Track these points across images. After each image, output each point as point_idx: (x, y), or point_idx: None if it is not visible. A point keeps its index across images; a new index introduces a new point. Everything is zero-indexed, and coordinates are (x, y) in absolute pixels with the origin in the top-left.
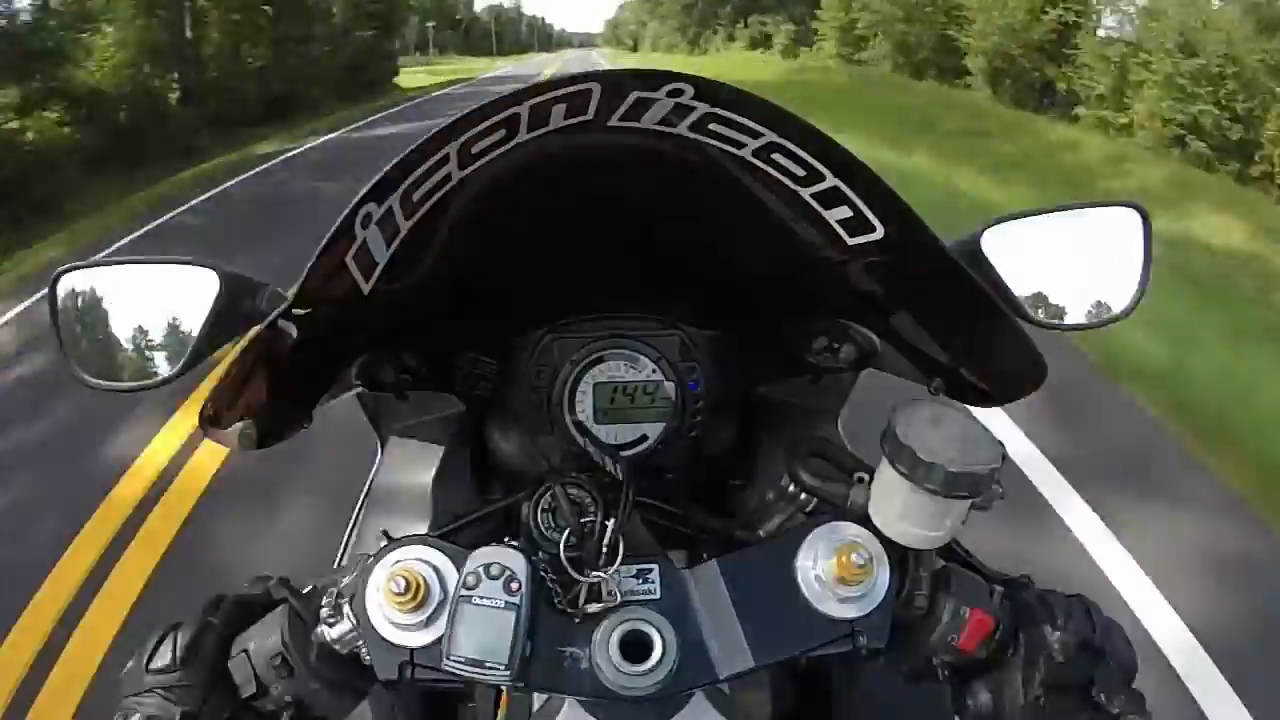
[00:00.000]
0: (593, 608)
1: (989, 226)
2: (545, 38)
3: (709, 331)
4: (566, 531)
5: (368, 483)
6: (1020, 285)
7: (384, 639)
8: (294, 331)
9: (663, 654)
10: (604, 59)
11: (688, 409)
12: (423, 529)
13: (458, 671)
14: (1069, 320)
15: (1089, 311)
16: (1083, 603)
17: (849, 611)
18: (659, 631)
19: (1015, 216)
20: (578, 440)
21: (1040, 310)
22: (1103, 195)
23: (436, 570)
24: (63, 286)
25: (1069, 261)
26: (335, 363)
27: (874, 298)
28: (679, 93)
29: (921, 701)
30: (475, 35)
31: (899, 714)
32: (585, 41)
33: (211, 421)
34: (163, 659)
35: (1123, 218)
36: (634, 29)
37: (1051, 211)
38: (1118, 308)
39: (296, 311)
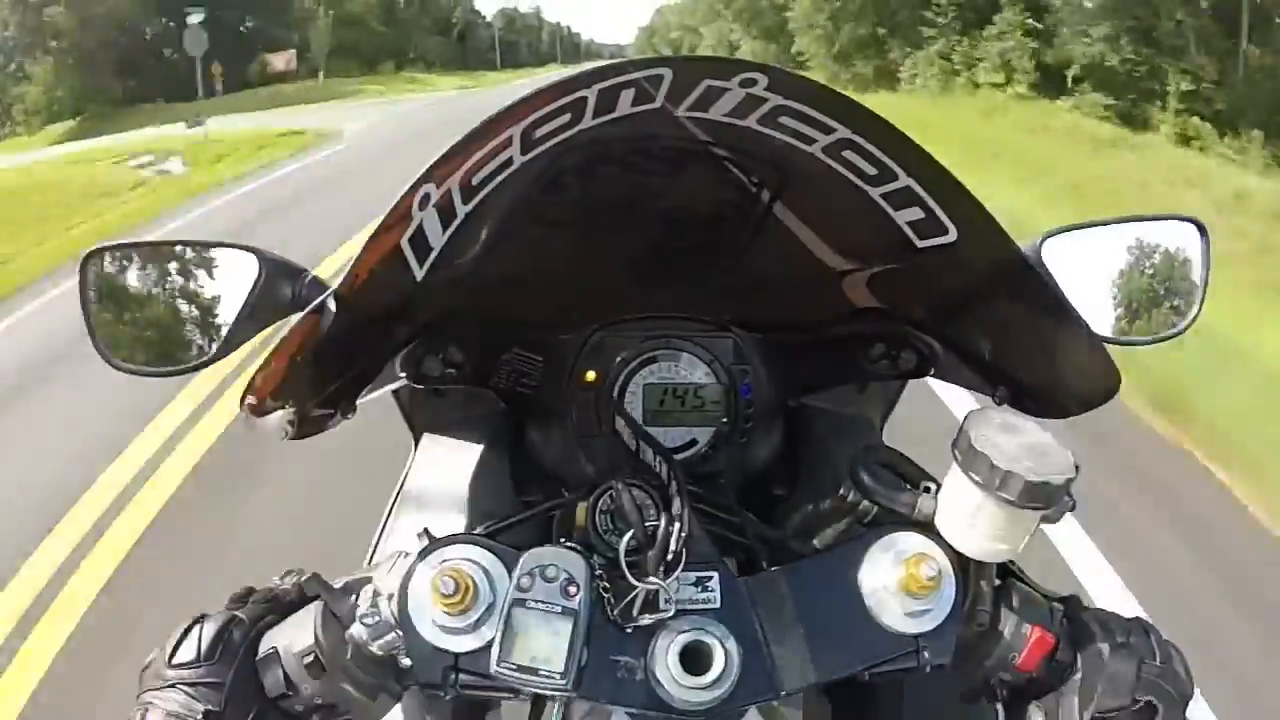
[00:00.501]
0: (647, 618)
1: (1050, 236)
2: (571, 48)
3: (762, 335)
4: (628, 535)
5: (401, 480)
6: (1077, 296)
7: (427, 641)
8: (342, 317)
9: (725, 667)
10: None
11: (739, 413)
12: (459, 530)
13: (508, 679)
14: (1123, 334)
15: (1143, 326)
16: (1142, 625)
17: (914, 626)
18: (720, 643)
19: (1076, 226)
20: (627, 442)
21: (1097, 323)
22: None
23: (486, 571)
24: (93, 266)
25: (1125, 274)
26: (381, 353)
27: (939, 303)
28: (752, 83)
29: None
30: (476, 44)
31: None
32: (617, 54)
33: (254, 409)
34: (187, 653)
35: (1181, 232)
36: (676, 36)
37: (1111, 223)
38: (1173, 324)
39: (345, 295)
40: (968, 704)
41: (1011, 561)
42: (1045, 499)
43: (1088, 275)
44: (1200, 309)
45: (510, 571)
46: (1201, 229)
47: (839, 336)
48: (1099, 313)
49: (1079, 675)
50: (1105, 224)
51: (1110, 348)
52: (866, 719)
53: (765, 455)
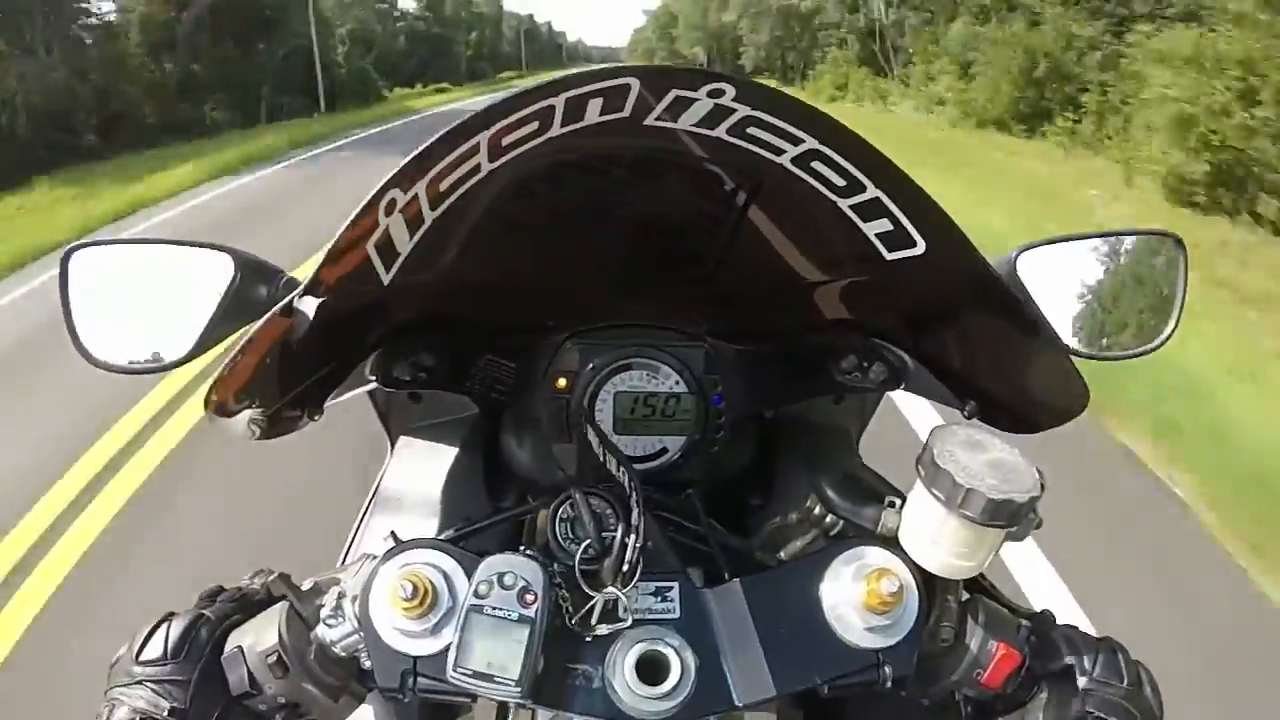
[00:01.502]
0: (604, 628)
1: (1025, 249)
2: (554, 49)
3: (735, 346)
4: (585, 543)
5: (376, 481)
6: (1052, 310)
7: (386, 644)
8: (309, 318)
9: (680, 677)
10: None
11: (710, 423)
12: (430, 533)
13: (464, 684)
14: (1098, 349)
15: (1118, 340)
16: (1111, 645)
17: (875, 641)
18: (677, 653)
19: (1052, 241)
20: (595, 450)
21: (1072, 337)
22: None
23: (446, 576)
24: (74, 264)
25: (1101, 288)
26: (350, 355)
27: (909, 316)
28: (720, 93)
29: None
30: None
31: None
32: (609, 57)
33: (219, 408)
34: (154, 650)
35: (1159, 246)
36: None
37: (1087, 237)
38: (1150, 339)
39: (312, 297)
40: (937, 718)
41: (981, 575)
42: (1008, 517)
43: (1063, 289)
44: (1177, 324)
45: (470, 576)
46: (1179, 243)
47: (811, 348)
48: (1074, 327)
49: (1045, 695)
50: (1081, 238)
51: (1080, 362)
52: None
53: (738, 465)
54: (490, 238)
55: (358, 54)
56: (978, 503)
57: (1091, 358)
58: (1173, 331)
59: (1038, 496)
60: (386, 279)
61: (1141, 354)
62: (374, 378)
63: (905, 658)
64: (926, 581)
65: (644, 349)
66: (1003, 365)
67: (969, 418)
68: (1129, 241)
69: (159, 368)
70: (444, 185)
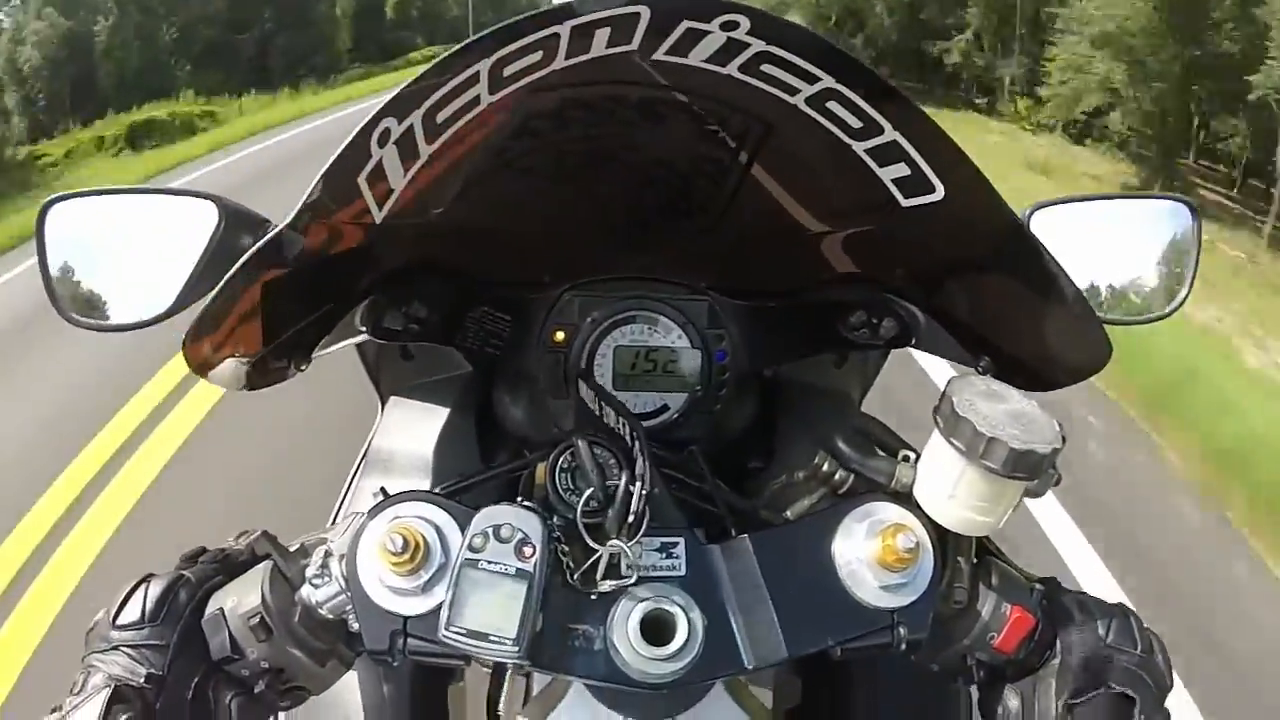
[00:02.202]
0: (609, 584)
1: (1039, 207)
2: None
3: (739, 301)
4: (588, 493)
5: (367, 442)
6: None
7: (375, 604)
8: (294, 258)
9: (687, 638)
10: None
11: (713, 380)
12: None
13: (457, 644)
14: (1110, 312)
15: (1132, 304)
16: (1124, 611)
17: (890, 600)
18: (684, 612)
19: (1066, 200)
20: (591, 405)
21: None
22: None
23: (439, 530)
24: (51, 217)
25: (1115, 251)
26: (339, 301)
27: (923, 268)
28: (734, 25)
29: (940, 702)
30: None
31: (914, 715)
32: None
33: (198, 357)
34: (132, 614)
35: (1173, 212)
36: None
37: (1102, 198)
38: (1161, 304)
39: (297, 234)
40: (943, 684)
41: (989, 540)
42: (1030, 469)
43: (1075, 249)
44: (1190, 290)
45: (463, 530)
46: (1193, 209)
47: (818, 303)
48: (1086, 289)
49: (1057, 660)
50: (1095, 199)
51: None
52: (838, 697)
53: (739, 424)
54: (488, 179)
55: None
56: (1000, 452)
57: (1106, 323)
58: (1184, 298)
59: (1059, 449)
60: (379, 216)
61: (1154, 320)
62: (364, 328)
63: (921, 618)
64: (940, 540)
65: (645, 301)
66: (1020, 320)
67: (983, 374)
68: (1143, 205)
69: (139, 324)
70: (441, 116)
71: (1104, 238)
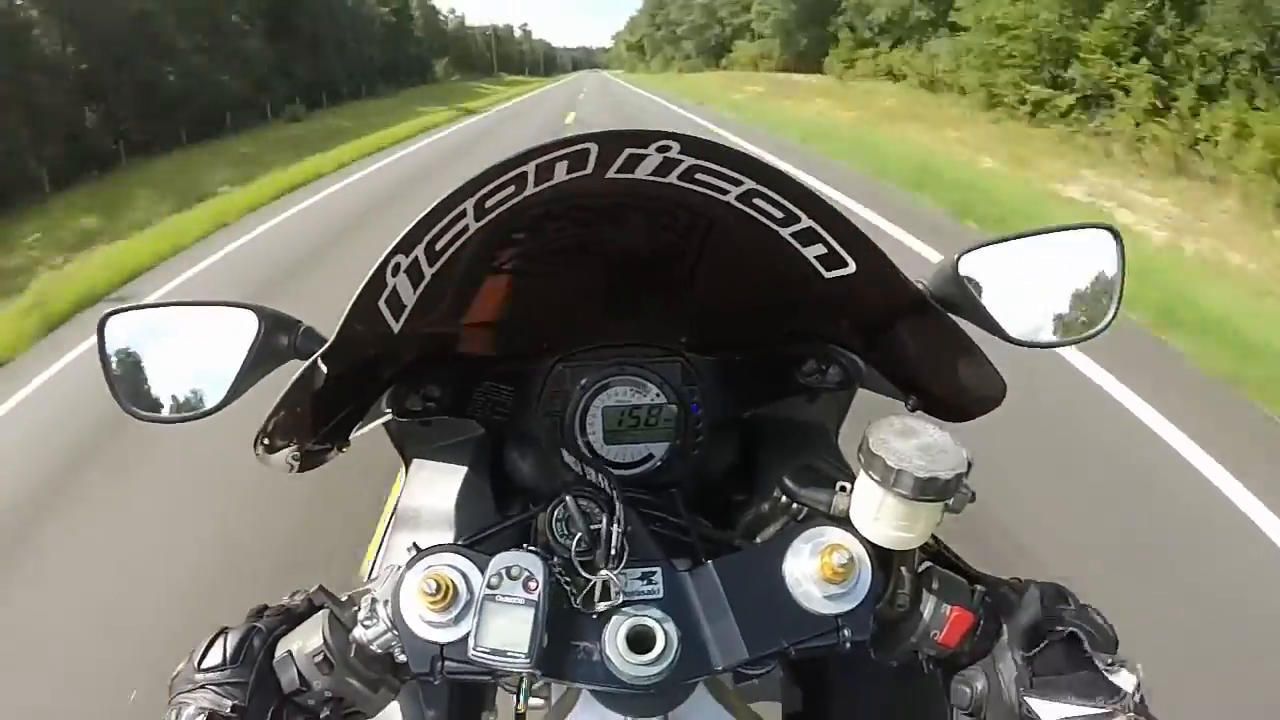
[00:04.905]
0: (602, 606)
1: (966, 252)
2: (549, 59)
3: (709, 357)
4: (578, 536)
5: (394, 502)
6: (997, 306)
7: (417, 635)
8: (333, 370)
9: (664, 647)
10: None
11: (690, 429)
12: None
13: (483, 661)
14: (1045, 338)
15: (1065, 328)
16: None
17: (834, 608)
18: (661, 626)
19: (991, 242)
20: (570, 460)
21: (1017, 329)
22: None
23: (463, 574)
24: (110, 328)
25: (1044, 281)
26: (368, 394)
27: (852, 325)
28: (667, 148)
29: (923, 702)
30: (472, 59)
31: (900, 715)
32: (582, 60)
33: (267, 449)
34: (214, 659)
35: (1095, 239)
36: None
37: (1025, 236)
38: (1093, 324)
39: (335, 353)
40: (901, 678)
41: (944, 546)
42: (936, 492)
43: (1005, 284)
44: (1117, 309)
45: (483, 572)
46: (1115, 234)
47: (776, 355)
48: (1018, 319)
49: (1005, 639)
50: (1019, 237)
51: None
52: (834, 702)
53: (721, 463)
54: (480, 282)
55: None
56: (907, 481)
57: (1036, 346)
58: (1113, 318)
59: (964, 473)
60: (396, 328)
61: (1085, 339)
62: (389, 410)
63: (862, 621)
64: (882, 555)
65: (625, 367)
66: (934, 366)
67: (913, 410)
68: (1067, 236)
69: (194, 416)
70: (439, 245)
71: (1032, 269)
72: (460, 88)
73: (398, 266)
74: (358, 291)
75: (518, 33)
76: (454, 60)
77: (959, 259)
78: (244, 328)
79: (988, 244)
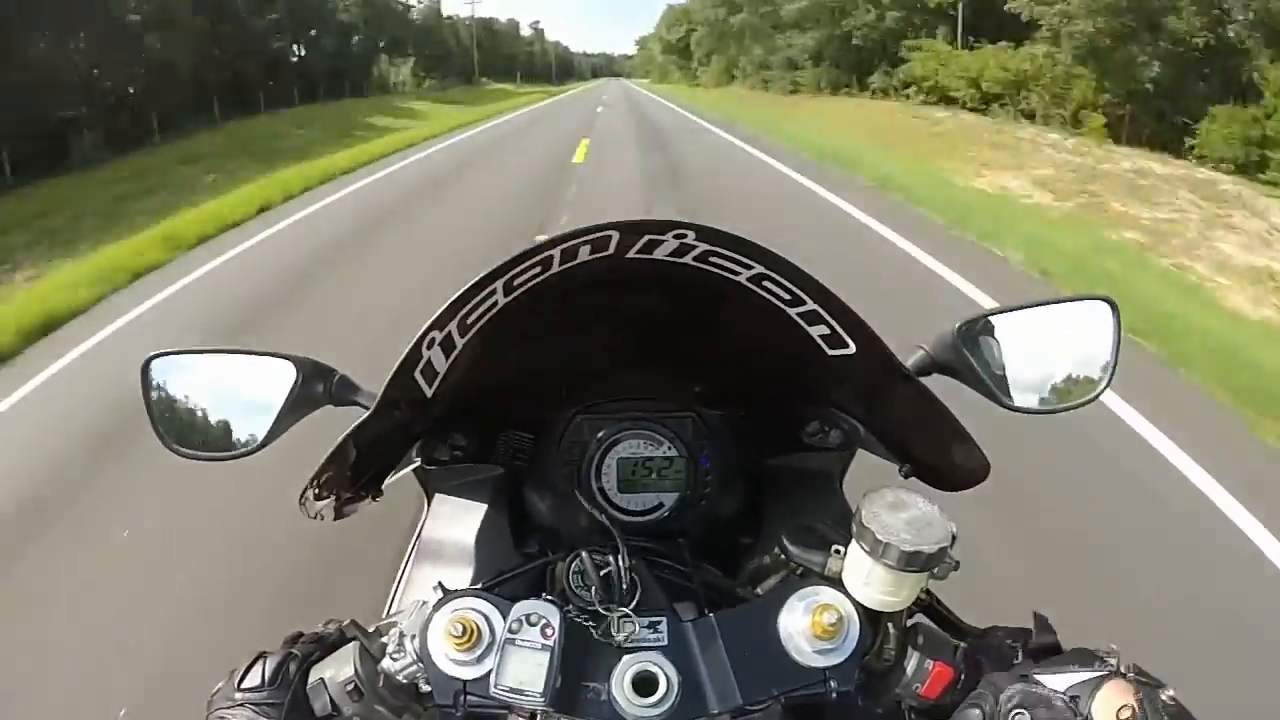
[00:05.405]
0: (610, 652)
1: (966, 321)
2: (567, 64)
3: (719, 413)
4: (592, 588)
5: (416, 535)
6: (994, 373)
7: (442, 671)
8: (372, 433)
9: (666, 690)
10: None
11: (699, 481)
12: (467, 578)
13: (503, 698)
14: (1041, 405)
15: (1061, 395)
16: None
17: (823, 661)
18: (664, 671)
19: (991, 312)
20: (588, 507)
21: (1015, 396)
22: None
23: (487, 618)
24: (154, 369)
25: (1041, 350)
26: (400, 449)
27: (855, 394)
28: (683, 235)
29: None
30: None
31: None
32: (601, 67)
33: (310, 502)
34: (253, 680)
35: (1093, 310)
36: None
37: (1025, 307)
38: (1088, 391)
39: (374, 419)
40: None
41: (937, 600)
42: (920, 565)
43: (1004, 353)
44: (1112, 377)
45: (505, 617)
46: (1113, 306)
47: (782, 415)
48: (1017, 386)
49: (984, 687)
50: (1019, 309)
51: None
52: None
53: (729, 511)
54: (508, 347)
55: None
56: (894, 553)
57: (1032, 413)
58: (1106, 385)
59: (947, 547)
60: (429, 393)
61: (1080, 406)
62: (418, 459)
63: (848, 674)
64: (871, 614)
65: (640, 421)
66: (923, 439)
67: (906, 476)
68: (1066, 308)
69: (232, 456)
70: (470, 320)
71: (1030, 339)
72: (383, 104)
73: (432, 340)
74: (396, 366)
75: (526, 30)
76: (426, 61)
77: (959, 327)
78: (282, 376)
79: (988, 314)
